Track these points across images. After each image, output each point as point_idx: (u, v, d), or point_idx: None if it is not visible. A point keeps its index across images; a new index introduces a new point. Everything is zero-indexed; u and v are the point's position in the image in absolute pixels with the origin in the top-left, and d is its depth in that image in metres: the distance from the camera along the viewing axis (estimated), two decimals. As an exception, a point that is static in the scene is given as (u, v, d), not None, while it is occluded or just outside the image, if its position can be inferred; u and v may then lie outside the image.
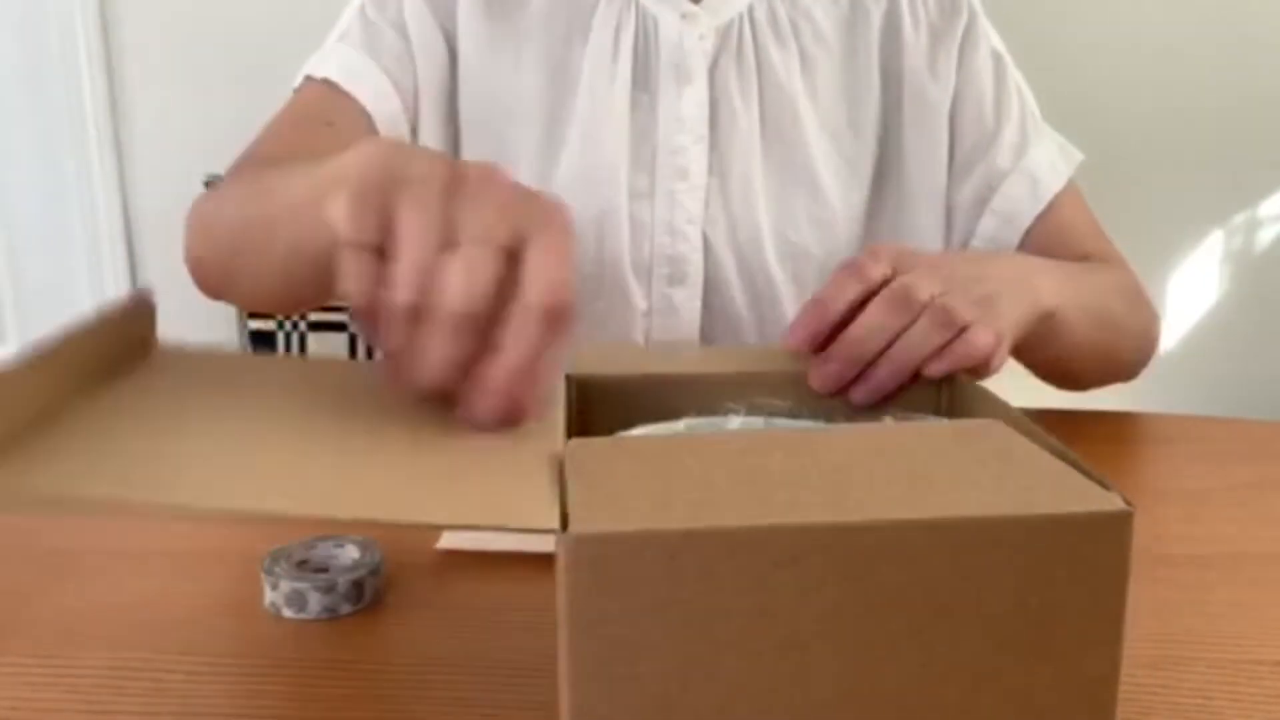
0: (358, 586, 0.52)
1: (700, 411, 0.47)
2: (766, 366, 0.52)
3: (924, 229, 0.88)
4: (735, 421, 0.46)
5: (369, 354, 1.25)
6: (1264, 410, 2.08)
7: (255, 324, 1.31)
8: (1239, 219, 2.14)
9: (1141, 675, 0.47)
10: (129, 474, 0.34)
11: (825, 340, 0.55)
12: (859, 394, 0.54)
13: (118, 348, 0.43)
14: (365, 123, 0.84)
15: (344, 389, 0.47)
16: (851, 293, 0.56)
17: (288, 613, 0.52)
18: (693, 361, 0.53)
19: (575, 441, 0.38)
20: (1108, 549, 0.31)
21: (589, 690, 0.30)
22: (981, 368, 0.56)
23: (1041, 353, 0.73)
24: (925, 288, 0.55)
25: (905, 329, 0.54)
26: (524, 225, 0.40)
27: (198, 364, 0.46)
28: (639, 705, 0.30)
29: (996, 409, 0.43)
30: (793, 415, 0.49)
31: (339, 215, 0.42)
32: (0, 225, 2.01)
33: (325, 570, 0.54)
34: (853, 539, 0.30)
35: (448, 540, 0.60)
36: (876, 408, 0.52)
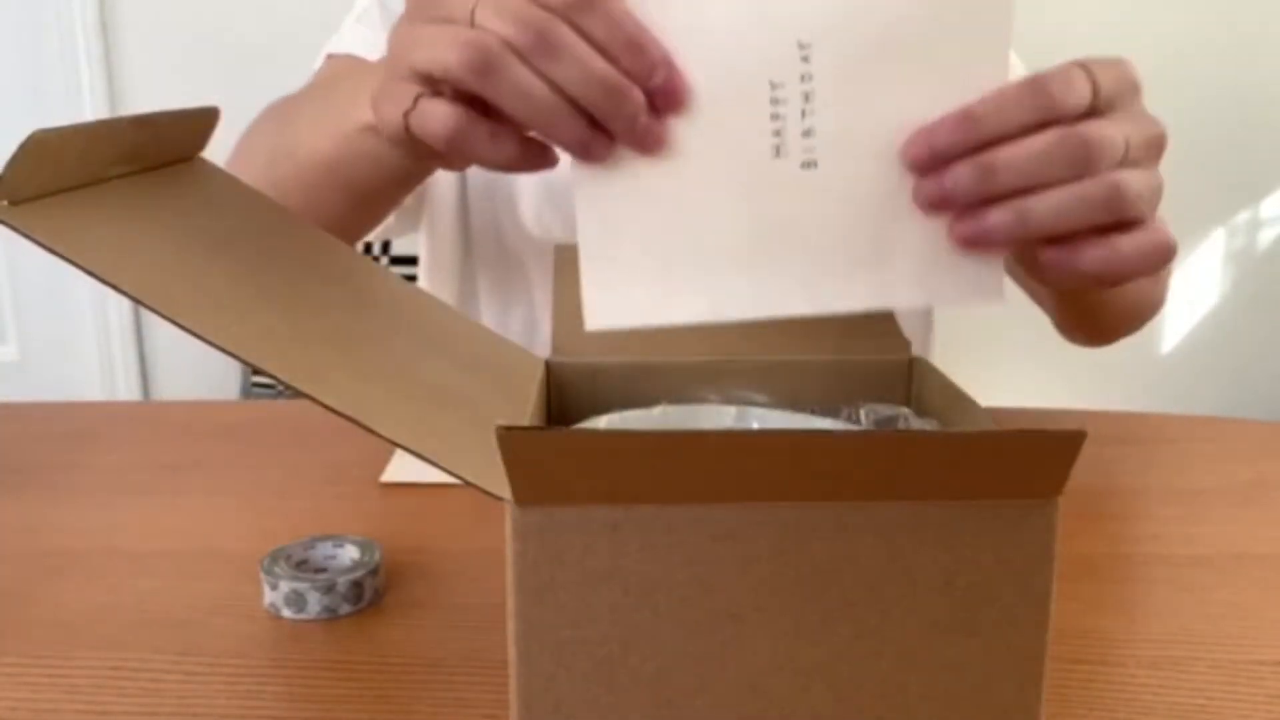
0: (357, 587, 0.52)
1: (676, 399, 0.47)
2: (744, 353, 0.52)
3: None
4: (710, 410, 0.47)
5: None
6: (1264, 410, 2.08)
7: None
8: (1240, 219, 2.13)
9: (1142, 675, 0.47)
10: (149, 274, 0.35)
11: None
12: (965, 229, 0.43)
13: (172, 144, 0.45)
14: None
15: (370, 275, 0.48)
16: (1021, 115, 0.42)
17: (287, 613, 0.52)
18: (671, 347, 0.53)
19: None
20: (1034, 533, 0.32)
21: (536, 651, 0.32)
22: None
23: None
24: (1117, 144, 0.43)
25: (1068, 182, 0.42)
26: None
27: (240, 194, 0.48)
28: (584, 667, 0.33)
29: (963, 404, 0.44)
30: (768, 406, 0.49)
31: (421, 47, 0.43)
32: None
33: (324, 570, 0.54)
34: (787, 516, 0.32)
35: (393, 474, 0.67)
36: (847, 403, 0.51)
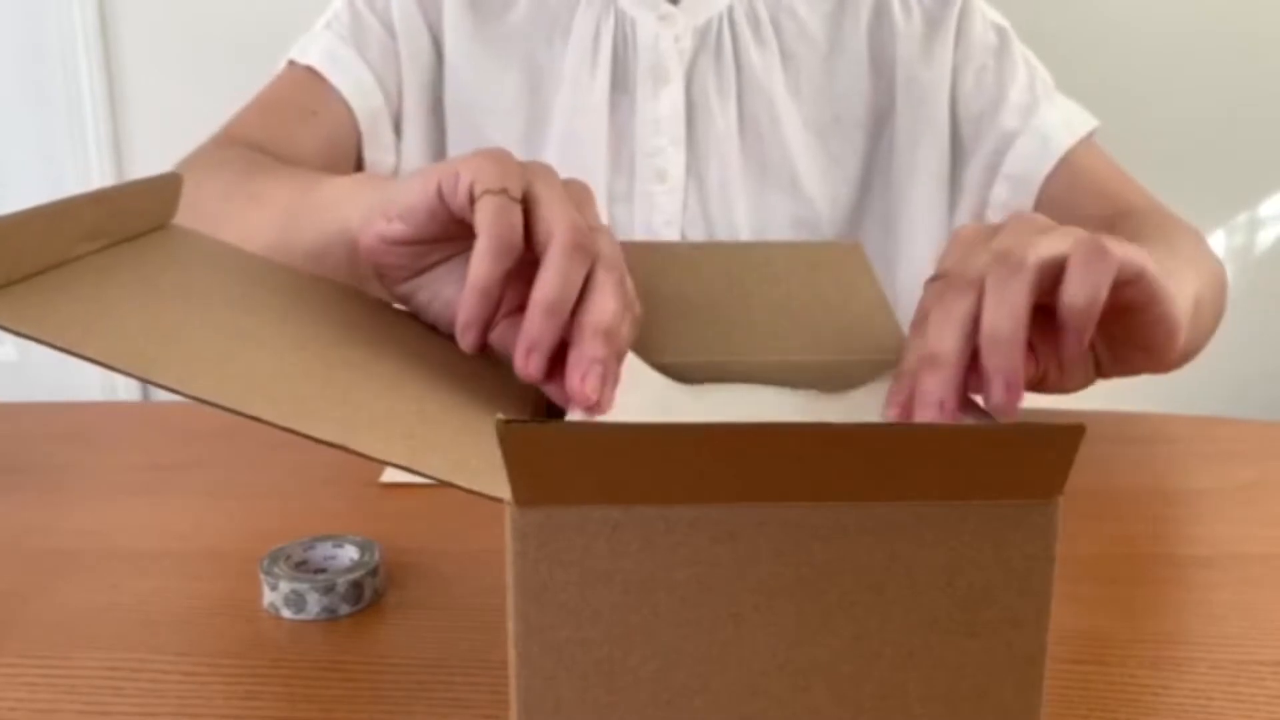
0: (357, 587, 0.52)
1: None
2: (744, 353, 0.52)
3: (917, 224, 0.88)
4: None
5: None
6: (1264, 410, 2.08)
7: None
8: (1239, 219, 2.14)
9: (1143, 675, 0.47)
10: (121, 339, 0.35)
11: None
12: (992, 395, 0.41)
13: (137, 216, 0.44)
14: (346, 114, 0.85)
15: (351, 305, 0.48)
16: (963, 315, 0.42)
17: (286, 613, 0.52)
18: (670, 347, 0.53)
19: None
20: (1034, 533, 0.32)
21: (536, 651, 0.32)
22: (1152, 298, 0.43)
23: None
24: (979, 258, 0.42)
25: (976, 302, 0.42)
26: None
27: (212, 251, 0.47)
28: (584, 667, 0.32)
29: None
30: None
31: (477, 167, 0.43)
32: None
33: (324, 571, 0.54)
34: (787, 516, 0.32)
35: (393, 473, 0.66)
36: None
